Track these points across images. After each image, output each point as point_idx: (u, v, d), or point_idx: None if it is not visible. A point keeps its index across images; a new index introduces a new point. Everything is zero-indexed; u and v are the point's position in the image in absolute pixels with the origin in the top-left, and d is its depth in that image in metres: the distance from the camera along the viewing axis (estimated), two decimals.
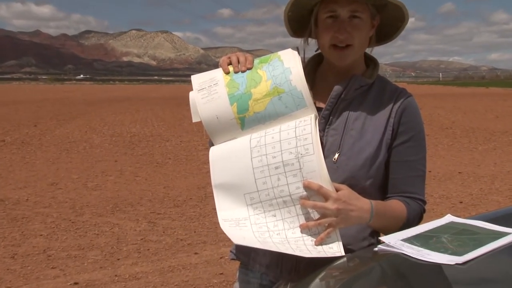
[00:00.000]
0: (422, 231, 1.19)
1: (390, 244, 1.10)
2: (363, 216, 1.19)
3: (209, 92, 1.29)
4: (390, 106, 1.33)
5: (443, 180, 7.06)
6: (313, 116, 1.24)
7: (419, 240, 1.12)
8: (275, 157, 1.20)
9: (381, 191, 1.37)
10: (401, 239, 1.13)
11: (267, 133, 1.24)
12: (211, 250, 4.27)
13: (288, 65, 1.29)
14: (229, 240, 1.15)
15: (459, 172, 7.60)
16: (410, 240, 1.13)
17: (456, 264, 0.98)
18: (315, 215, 1.18)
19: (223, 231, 1.18)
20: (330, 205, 1.15)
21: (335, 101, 1.34)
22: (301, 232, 1.19)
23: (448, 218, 1.30)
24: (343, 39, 1.27)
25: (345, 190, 1.19)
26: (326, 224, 1.17)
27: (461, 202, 5.86)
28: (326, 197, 1.15)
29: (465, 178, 7.18)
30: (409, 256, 1.04)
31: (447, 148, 10.17)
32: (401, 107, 1.33)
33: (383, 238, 1.15)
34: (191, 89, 1.32)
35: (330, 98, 1.34)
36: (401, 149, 1.33)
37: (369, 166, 1.30)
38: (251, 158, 1.22)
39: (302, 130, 1.21)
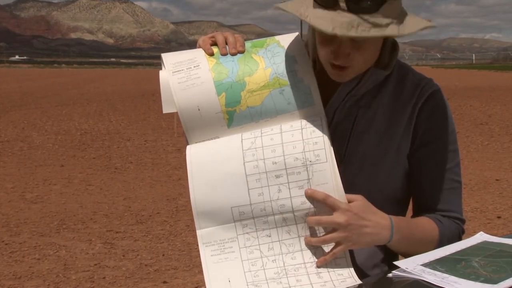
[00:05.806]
0: (448, 253, 1.21)
1: (408, 270, 1.12)
2: (381, 234, 1.20)
3: (188, 76, 1.27)
4: (412, 103, 1.34)
5: (477, 189, 7.13)
6: (322, 116, 1.26)
7: (444, 264, 1.15)
8: (275, 163, 1.20)
9: (402, 210, 1.40)
10: (421, 263, 1.15)
11: (264, 133, 1.24)
12: (183, 278, 4.27)
13: (292, 53, 1.29)
14: None
15: (497, 180, 7.68)
16: (432, 265, 1.15)
17: None
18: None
19: (198, 254, 1.19)
20: (337, 217, 1.16)
21: (342, 97, 1.34)
22: (303, 256, 1.19)
23: (480, 237, 1.33)
24: (340, 63, 1.22)
25: (360, 202, 1.20)
26: (333, 243, 1.17)
27: (499, 217, 5.92)
28: (334, 209, 1.16)
29: (504, 187, 7.25)
30: (431, 283, 1.06)
31: (481, 149, 10.27)
32: (425, 105, 1.34)
33: (398, 262, 1.17)
34: (162, 73, 1.28)
35: (337, 93, 1.34)
36: (429, 157, 1.35)
37: (384, 182, 1.33)
38: (244, 163, 1.22)
39: (311, 132, 1.22)
